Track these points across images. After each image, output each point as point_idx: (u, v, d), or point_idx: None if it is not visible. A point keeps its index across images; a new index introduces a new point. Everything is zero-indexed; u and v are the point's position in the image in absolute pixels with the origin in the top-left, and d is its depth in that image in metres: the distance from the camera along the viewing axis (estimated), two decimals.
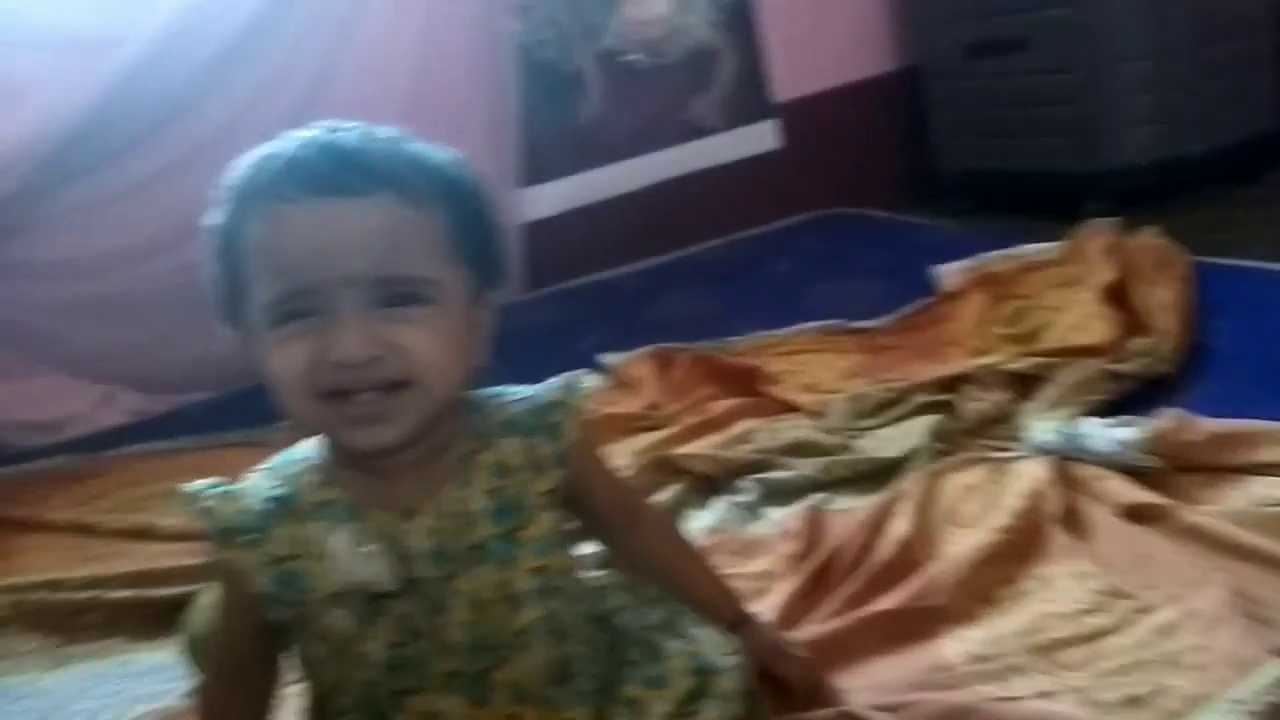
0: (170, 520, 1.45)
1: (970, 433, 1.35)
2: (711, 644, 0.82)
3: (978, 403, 1.38)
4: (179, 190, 1.99)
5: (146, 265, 2.03)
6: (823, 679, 0.92)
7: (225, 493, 0.75)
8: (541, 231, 2.40)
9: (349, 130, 0.71)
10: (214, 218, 0.72)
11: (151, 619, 1.25)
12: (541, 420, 0.78)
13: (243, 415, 1.76)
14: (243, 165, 0.71)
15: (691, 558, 0.93)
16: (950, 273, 1.89)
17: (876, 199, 2.56)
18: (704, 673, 0.79)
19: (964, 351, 1.61)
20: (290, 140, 0.70)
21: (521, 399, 0.80)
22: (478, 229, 0.74)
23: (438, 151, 0.74)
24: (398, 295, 0.69)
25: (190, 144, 2.01)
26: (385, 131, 0.72)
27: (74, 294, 2.02)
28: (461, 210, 0.72)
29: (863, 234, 2.34)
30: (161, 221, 2.01)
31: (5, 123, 1.85)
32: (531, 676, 0.75)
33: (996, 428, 1.35)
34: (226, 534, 0.74)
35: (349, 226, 0.67)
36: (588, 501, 0.82)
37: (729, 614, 0.90)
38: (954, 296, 1.80)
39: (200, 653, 1.00)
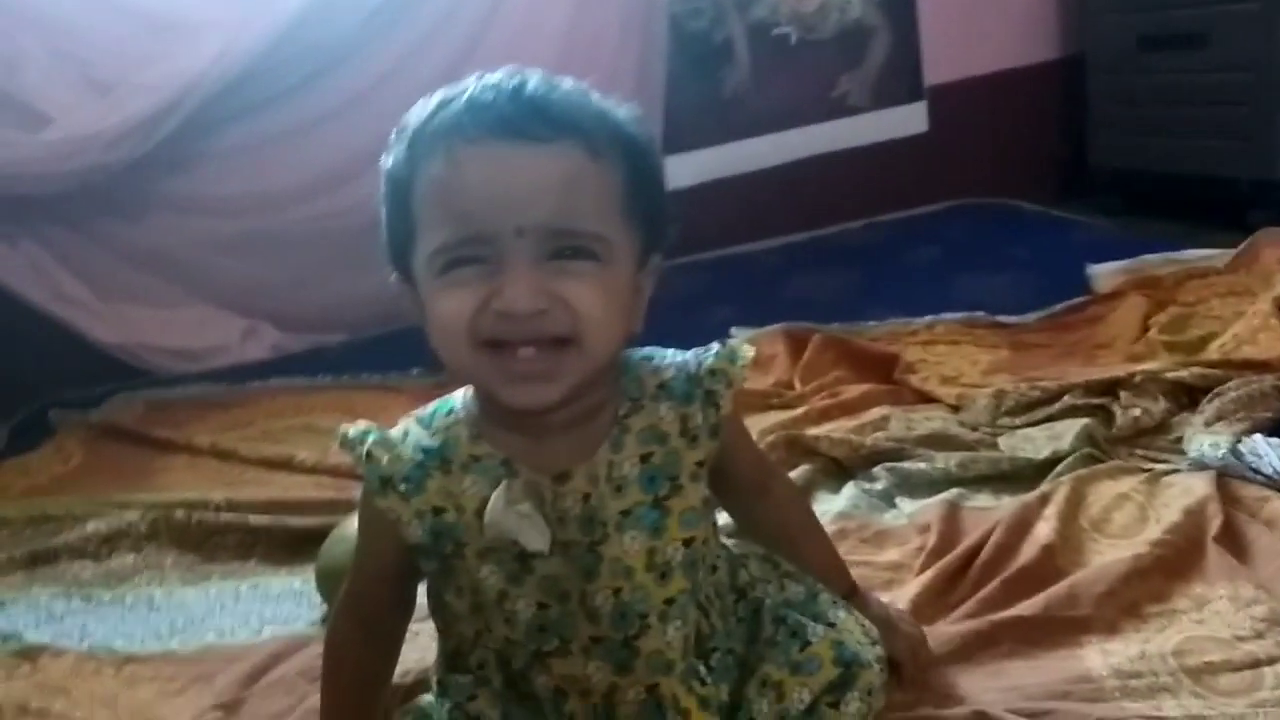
0: (307, 453, 1.50)
1: (1124, 440, 1.28)
2: (857, 632, 0.80)
3: (1134, 410, 1.31)
4: (332, 138, 2.04)
5: (296, 208, 2.09)
6: (932, 659, 0.90)
7: (382, 439, 0.75)
8: (678, 201, 2.37)
9: (532, 76, 0.69)
10: (389, 159, 0.72)
11: (285, 546, 1.30)
12: (698, 388, 0.75)
13: (379, 359, 1.81)
14: (421, 106, 0.70)
15: (814, 528, 0.92)
16: (1106, 273, 1.80)
17: (1024, 191, 2.45)
18: (850, 663, 0.77)
19: (1118, 356, 1.53)
20: (473, 82, 0.69)
21: (677, 364, 0.77)
22: (650, 189, 0.72)
23: (618, 106, 0.72)
24: (569, 249, 0.67)
25: (346, 94, 2.06)
26: (568, 81, 0.71)
27: (226, 230, 2.09)
28: (638, 168, 0.71)
29: (1010, 225, 2.25)
30: (313, 167, 2.07)
31: (176, 60, 1.92)
32: (675, 648, 0.74)
33: (1154, 437, 1.28)
34: (385, 482, 0.74)
35: (528, 173, 0.66)
36: (728, 470, 0.80)
37: (842, 584, 0.89)
38: (1109, 298, 1.72)
39: (332, 584, 1.02)
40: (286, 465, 1.51)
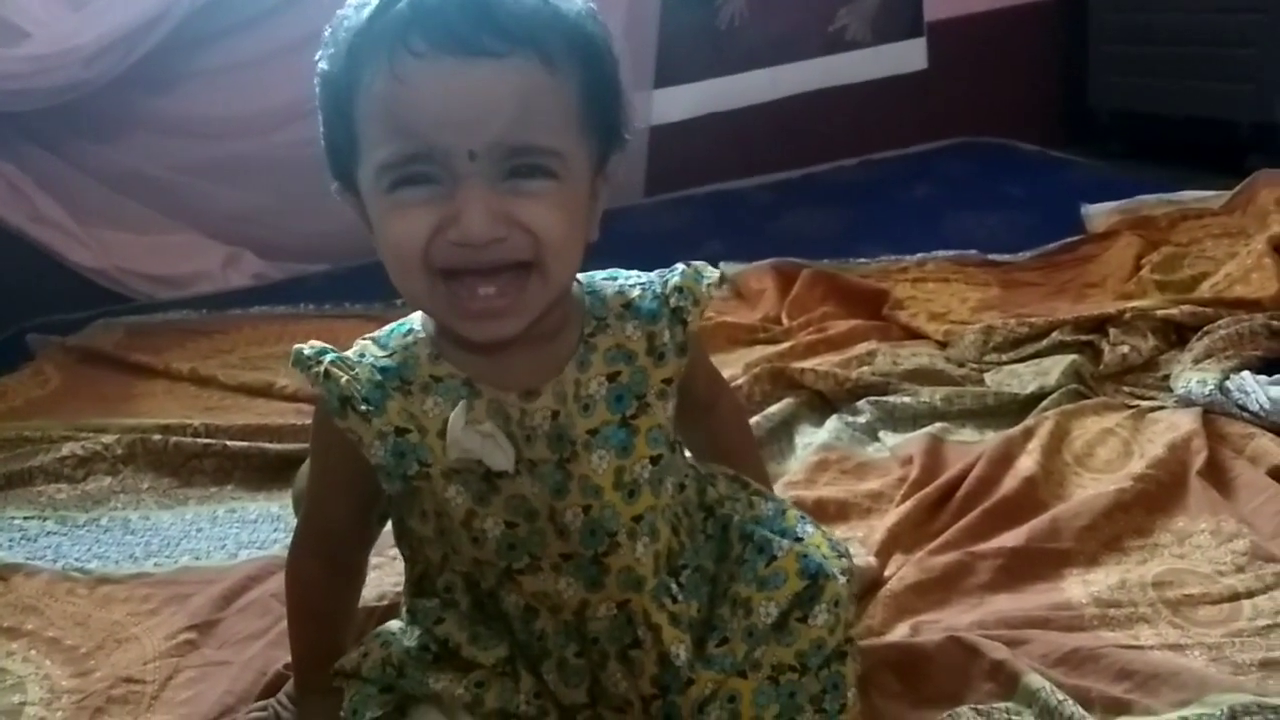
0: (286, 380, 1.48)
1: (1111, 377, 1.28)
2: (823, 545, 0.79)
3: (1122, 347, 1.30)
4: (312, 62, 1.99)
5: (277, 133, 2.04)
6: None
7: (339, 359, 0.72)
8: (668, 135, 2.34)
9: None
10: (324, 61, 0.67)
11: (263, 471, 1.29)
12: (664, 306, 0.74)
13: (363, 289, 1.78)
14: (358, 2, 0.66)
15: (749, 446, 0.92)
16: (1100, 213, 1.79)
17: (1023, 132, 2.42)
18: (815, 576, 0.76)
19: (1109, 294, 1.52)
20: None
21: (643, 283, 0.76)
22: (607, 92, 0.69)
23: (571, 2, 0.67)
24: (525, 166, 0.64)
25: (331, 14, 2.00)
26: None
27: (207, 154, 2.05)
28: (595, 72, 0.67)
29: (1007, 165, 2.22)
30: (295, 90, 1.99)
31: None
32: (644, 564, 0.73)
33: (1141, 374, 1.28)
34: (345, 402, 0.71)
35: (480, 92, 0.62)
36: (688, 386, 0.78)
37: None
38: (1102, 237, 1.71)
39: None
40: (266, 392, 1.49)
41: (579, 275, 0.74)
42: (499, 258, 0.64)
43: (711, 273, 0.76)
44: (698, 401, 0.82)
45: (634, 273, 0.77)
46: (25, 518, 1.22)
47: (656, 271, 0.76)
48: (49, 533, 1.19)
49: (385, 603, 0.94)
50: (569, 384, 0.71)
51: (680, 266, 0.76)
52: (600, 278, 0.76)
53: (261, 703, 0.88)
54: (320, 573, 0.81)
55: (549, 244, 0.65)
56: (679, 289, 0.74)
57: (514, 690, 0.73)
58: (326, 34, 0.67)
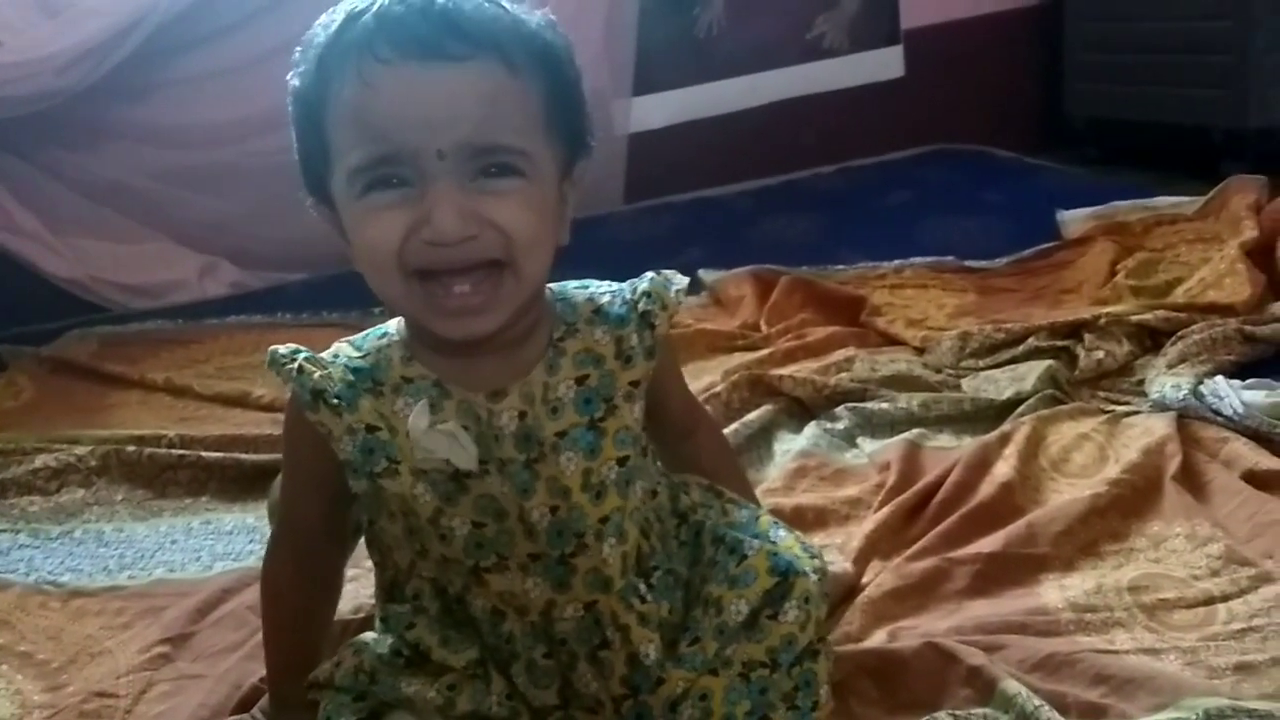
0: (263, 390, 1.48)
1: (1087, 382, 1.29)
2: (795, 547, 0.79)
3: (1097, 352, 1.31)
4: (289, 69, 1.98)
5: (253, 141, 2.03)
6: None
7: (313, 357, 0.74)
8: (647, 143, 2.35)
9: None
10: (296, 78, 0.69)
11: (238, 482, 1.28)
12: (633, 311, 0.75)
13: (341, 298, 1.77)
14: (326, 21, 0.68)
15: (735, 472, 0.91)
16: (1075, 219, 1.80)
17: (1000, 139, 2.43)
18: (785, 573, 0.76)
19: (1084, 300, 1.54)
20: None
21: (611, 290, 0.77)
22: (570, 99, 0.71)
23: (531, 14, 0.70)
24: (493, 166, 0.66)
25: (305, 23, 1.99)
26: None
27: (183, 162, 2.04)
28: (557, 79, 0.69)
29: (983, 172, 2.23)
30: (270, 99, 1.98)
31: None
32: (612, 565, 0.73)
33: (1116, 379, 1.29)
34: (317, 395, 0.72)
35: (447, 94, 0.64)
36: (661, 402, 0.80)
37: None
38: (1078, 243, 1.72)
39: None
40: (242, 401, 1.49)
41: (550, 285, 0.75)
42: (471, 256, 0.66)
43: (680, 280, 0.78)
44: (675, 426, 0.84)
45: (605, 282, 0.78)
46: None
47: (628, 281, 0.78)
48: (21, 545, 1.19)
49: (361, 615, 0.94)
50: (537, 386, 0.72)
51: (650, 274, 0.77)
52: (572, 286, 0.78)
53: (236, 717, 0.87)
54: (294, 575, 0.82)
55: (519, 242, 0.66)
56: (647, 294, 0.76)
57: (486, 692, 0.74)
58: (298, 53, 0.69)
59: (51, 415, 1.50)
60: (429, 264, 0.66)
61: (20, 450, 1.35)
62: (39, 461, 1.31)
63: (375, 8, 0.65)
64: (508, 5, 0.68)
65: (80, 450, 1.32)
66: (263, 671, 0.88)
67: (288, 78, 0.70)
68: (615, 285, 0.78)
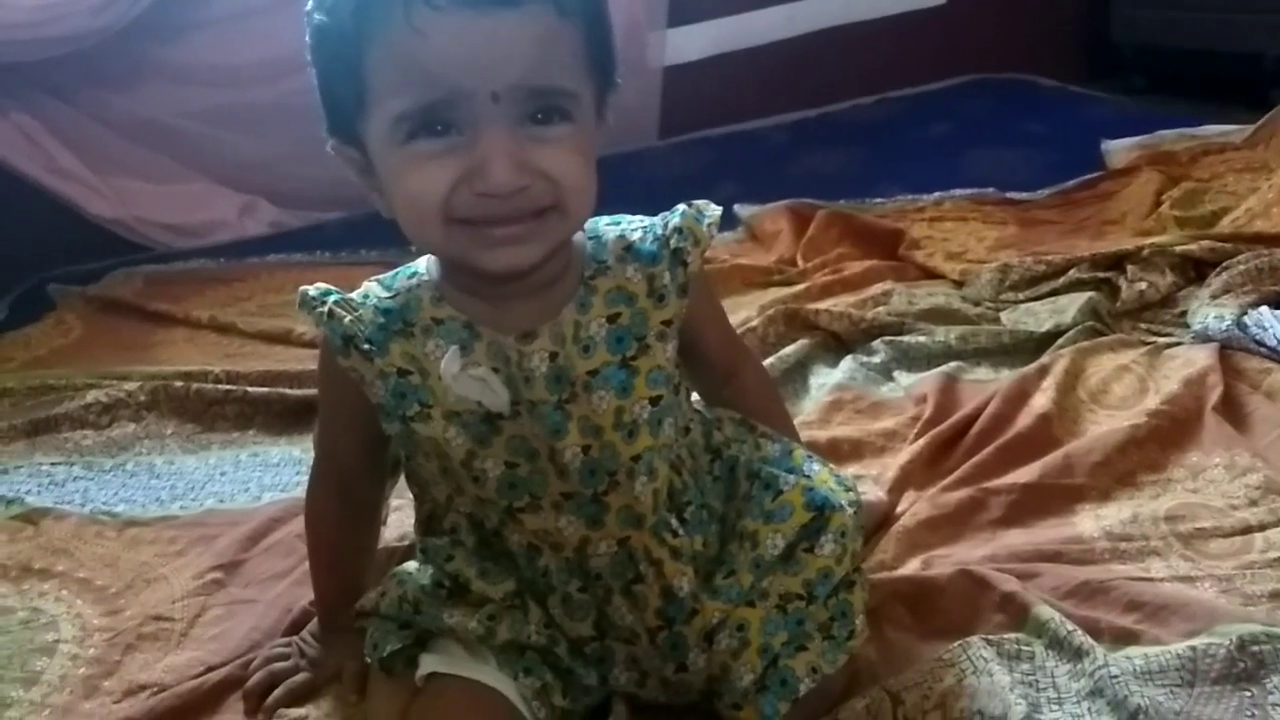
0: (304, 328, 1.49)
1: (1128, 314, 1.27)
2: (830, 480, 0.80)
3: (1140, 283, 1.29)
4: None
5: (286, 81, 2.01)
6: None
7: (343, 300, 0.74)
8: (683, 75, 2.31)
9: None
10: (321, 14, 0.67)
11: (283, 416, 1.30)
12: (664, 248, 0.75)
13: (378, 236, 1.78)
14: None
15: (782, 418, 0.90)
16: (1120, 149, 1.76)
17: (1045, 68, 2.38)
18: (821, 508, 0.77)
19: (1128, 231, 1.51)
20: None
21: (643, 225, 0.76)
22: (606, 37, 0.70)
23: None
24: (543, 109, 0.65)
25: None
26: None
27: (220, 102, 2.04)
28: (596, 19, 0.69)
29: (1027, 101, 2.19)
30: (303, 38, 2.00)
31: None
32: (644, 502, 0.74)
33: (1158, 311, 1.27)
34: (347, 341, 0.72)
35: (502, 37, 0.63)
36: (697, 340, 0.80)
37: None
38: (1122, 174, 1.69)
39: None
40: (284, 338, 1.51)
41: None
42: (521, 206, 0.65)
43: (713, 212, 0.77)
44: (716, 366, 0.84)
45: (637, 217, 0.77)
46: (53, 463, 1.24)
47: (660, 214, 0.77)
48: (76, 478, 1.22)
49: (406, 542, 0.96)
50: (567, 326, 0.72)
51: (681, 207, 0.76)
52: (603, 223, 0.77)
53: (286, 639, 0.90)
54: (335, 507, 0.84)
55: (569, 188, 0.67)
56: (679, 230, 0.75)
57: (524, 622, 0.75)
58: None
59: (100, 352, 1.53)
60: (477, 214, 0.65)
61: (72, 386, 1.38)
62: (90, 397, 1.34)
63: None
64: None
65: (130, 386, 1.35)
66: (311, 596, 0.90)
67: (308, 11, 0.68)
68: (646, 220, 0.77)
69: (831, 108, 2.35)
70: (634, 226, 0.76)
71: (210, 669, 0.88)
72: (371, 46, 0.65)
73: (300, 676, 0.85)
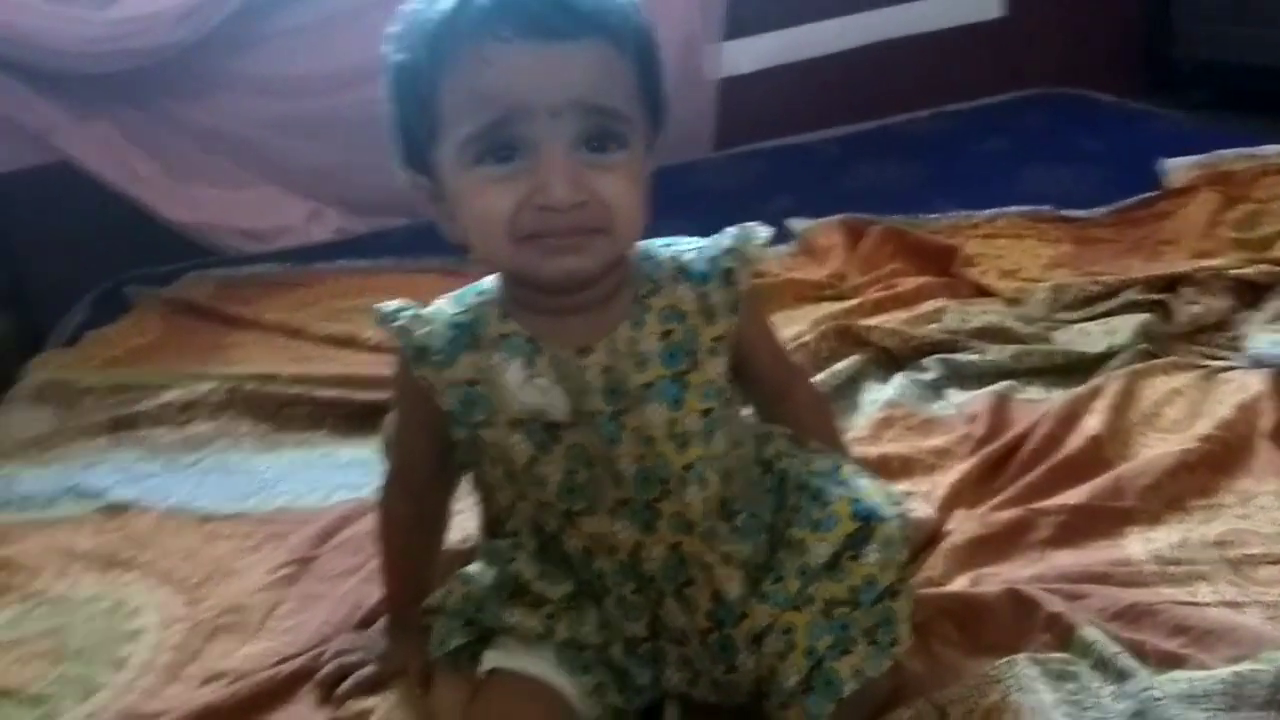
0: (371, 333, 1.54)
1: (1182, 337, 1.27)
2: (878, 495, 0.83)
3: (1194, 306, 1.29)
4: (382, 22, 2.03)
5: (350, 91, 2.08)
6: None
7: (416, 315, 0.80)
8: (737, 88, 2.34)
9: None
10: (399, 54, 0.73)
11: (352, 419, 1.35)
12: (715, 267, 0.79)
13: (440, 243, 1.82)
14: (433, 2, 0.71)
15: (833, 435, 0.93)
16: (1179, 167, 1.75)
17: (1103, 82, 2.36)
18: (867, 519, 0.80)
19: (1184, 252, 1.51)
20: None
21: (696, 247, 0.81)
22: (657, 75, 0.76)
23: None
24: (600, 132, 0.70)
25: None
26: None
27: (285, 112, 2.11)
28: (649, 56, 0.74)
29: (1085, 117, 2.17)
30: (364, 52, 2.03)
31: None
32: (695, 510, 0.78)
33: (1212, 334, 1.27)
34: (420, 353, 0.78)
35: (562, 61, 0.69)
36: (749, 358, 0.83)
37: None
38: (1180, 193, 1.67)
39: None
40: (351, 343, 1.55)
41: (636, 242, 0.79)
42: (578, 223, 0.70)
43: (763, 233, 0.81)
44: (767, 384, 0.87)
45: (689, 239, 0.82)
46: (135, 459, 1.31)
47: (716, 234, 0.81)
48: (156, 474, 1.28)
49: (468, 545, 0.99)
50: (623, 341, 0.77)
51: (732, 229, 0.81)
52: (657, 244, 0.81)
53: (355, 633, 0.95)
54: (408, 511, 0.89)
55: (620, 214, 0.72)
56: (729, 250, 0.79)
57: (581, 622, 0.80)
58: (399, 29, 0.73)
59: (176, 353, 1.59)
60: (538, 229, 0.70)
61: (151, 385, 1.45)
62: (168, 396, 1.41)
63: None
64: None
65: (205, 386, 1.42)
66: (379, 594, 0.95)
67: (386, 51, 0.73)
68: (699, 241, 0.81)
69: (887, 121, 2.36)
70: (687, 247, 0.81)
71: (284, 659, 0.93)
72: (443, 80, 0.71)
73: (368, 669, 0.89)
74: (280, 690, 0.90)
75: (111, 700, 0.91)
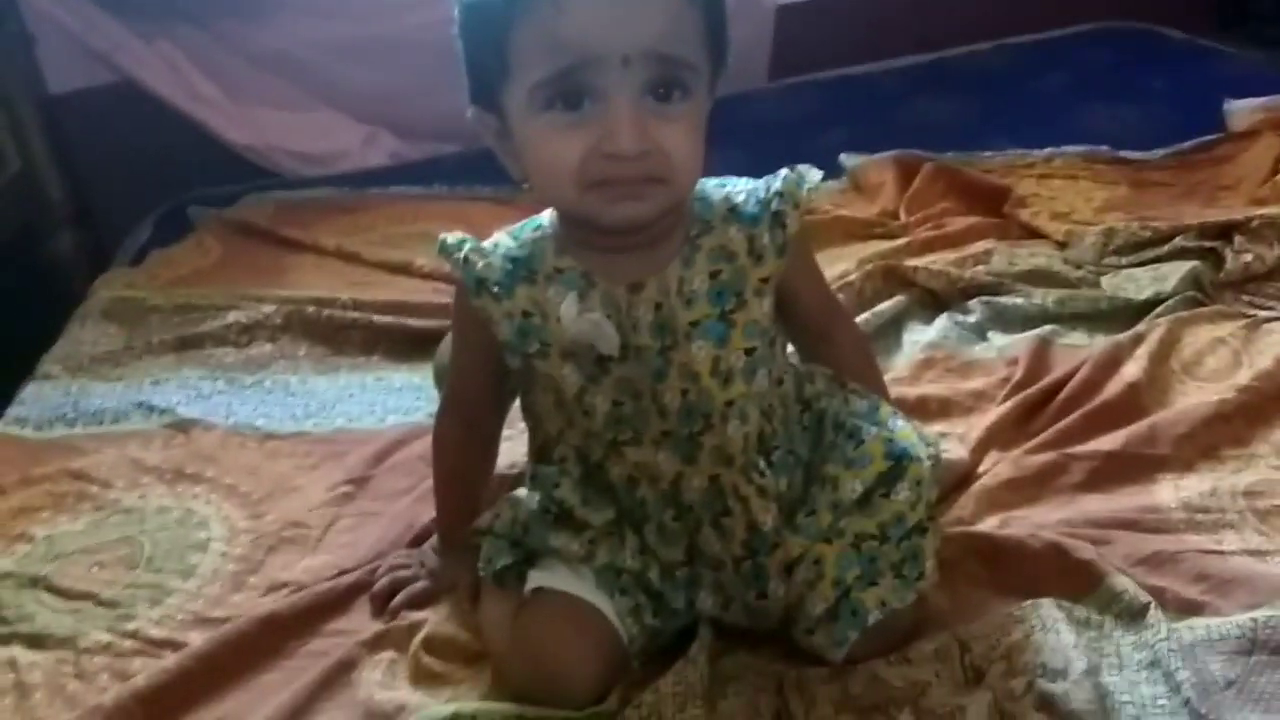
0: (425, 260, 1.58)
1: (1232, 285, 1.27)
2: (912, 435, 0.85)
3: (1246, 254, 1.28)
4: None
5: (408, 15, 2.09)
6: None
7: (476, 247, 0.83)
8: (795, 16, 2.30)
9: None
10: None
11: (406, 343, 1.39)
12: (765, 210, 0.81)
13: (492, 172, 1.85)
14: None
15: (874, 378, 0.95)
16: (1243, 110, 1.70)
17: (1175, 16, 2.28)
18: (899, 458, 0.83)
19: (1241, 199, 1.48)
20: None
21: (747, 189, 0.83)
22: (723, 20, 0.76)
23: None
24: (668, 80, 0.72)
25: None
26: None
27: (345, 34, 2.12)
28: (716, 3, 0.75)
29: (1151, 53, 2.11)
30: None
31: None
32: (735, 444, 0.81)
33: (1263, 284, 1.26)
34: (479, 284, 0.82)
35: (633, 8, 0.70)
36: (793, 300, 0.86)
37: None
38: (1242, 137, 1.64)
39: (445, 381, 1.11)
40: (405, 269, 1.59)
41: None
42: (642, 170, 0.73)
43: (814, 176, 0.83)
44: (811, 324, 0.89)
45: (742, 180, 0.84)
46: (199, 378, 1.36)
47: (764, 178, 0.83)
48: (220, 392, 1.33)
49: (515, 470, 1.04)
50: (672, 280, 0.79)
51: (784, 172, 0.82)
52: (710, 184, 0.83)
53: (408, 550, 1.00)
54: (461, 435, 0.93)
55: (680, 166, 0.74)
56: (780, 194, 0.81)
57: (620, 548, 0.84)
58: None
59: (237, 274, 1.63)
60: (604, 176, 0.72)
61: (214, 306, 1.50)
62: (230, 317, 1.46)
63: None
64: None
65: (266, 308, 1.46)
66: (432, 514, 1.00)
67: None
68: (751, 183, 0.83)
69: (947, 53, 2.31)
70: (739, 189, 0.83)
71: (343, 572, 0.98)
72: (516, 23, 0.72)
73: (420, 585, 0.94)
74: (338, 601, 0.95)
75: (180, 606, 0.97)
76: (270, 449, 1.21)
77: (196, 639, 0.91)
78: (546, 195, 0.78)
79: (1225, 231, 1.34)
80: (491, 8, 0.73)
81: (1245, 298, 1.25)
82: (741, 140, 1.39)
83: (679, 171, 0.74)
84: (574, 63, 0.70)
